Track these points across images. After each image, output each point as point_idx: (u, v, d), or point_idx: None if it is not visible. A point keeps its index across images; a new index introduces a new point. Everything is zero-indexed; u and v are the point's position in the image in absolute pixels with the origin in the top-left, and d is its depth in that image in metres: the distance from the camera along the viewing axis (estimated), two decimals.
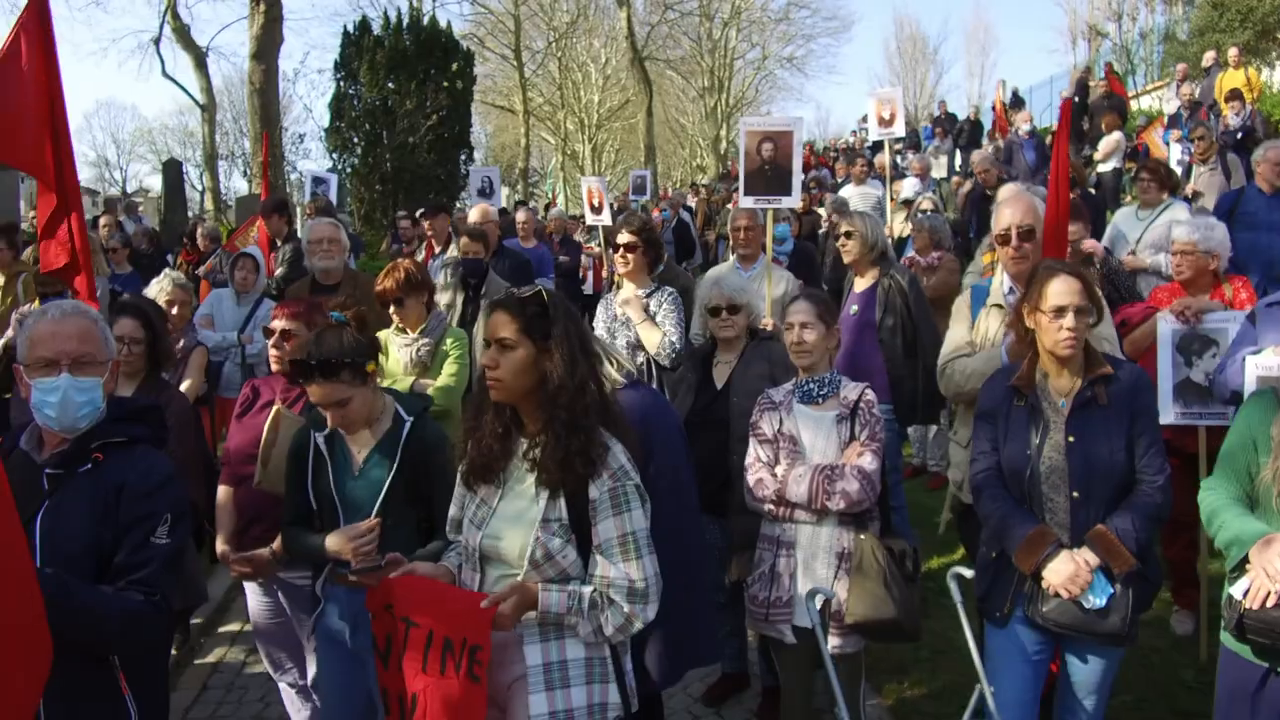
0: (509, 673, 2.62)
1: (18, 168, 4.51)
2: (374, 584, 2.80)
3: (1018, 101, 21.71)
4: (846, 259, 5.53)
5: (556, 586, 2.55)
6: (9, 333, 6.64)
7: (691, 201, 18.78)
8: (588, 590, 2.56)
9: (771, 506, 3.59)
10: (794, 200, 5.99)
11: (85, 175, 50.03)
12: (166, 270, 5.75)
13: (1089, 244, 5.84)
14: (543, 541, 2.55)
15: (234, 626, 5.78)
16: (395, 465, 3.18)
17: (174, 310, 5.10)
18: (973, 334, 4.00)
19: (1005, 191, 6.08)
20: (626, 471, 2.60)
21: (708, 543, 3.91)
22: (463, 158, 19.23)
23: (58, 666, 2.42)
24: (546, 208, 16.90)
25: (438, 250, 8.47)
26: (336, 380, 3.07)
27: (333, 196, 12.26)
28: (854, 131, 28.02)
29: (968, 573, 3.32)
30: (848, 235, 5.43)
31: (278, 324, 3.68)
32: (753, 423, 3.72)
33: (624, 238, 5.10)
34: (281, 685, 4.05)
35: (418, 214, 10.07)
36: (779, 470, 3.58)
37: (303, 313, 3.66)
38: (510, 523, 2.63)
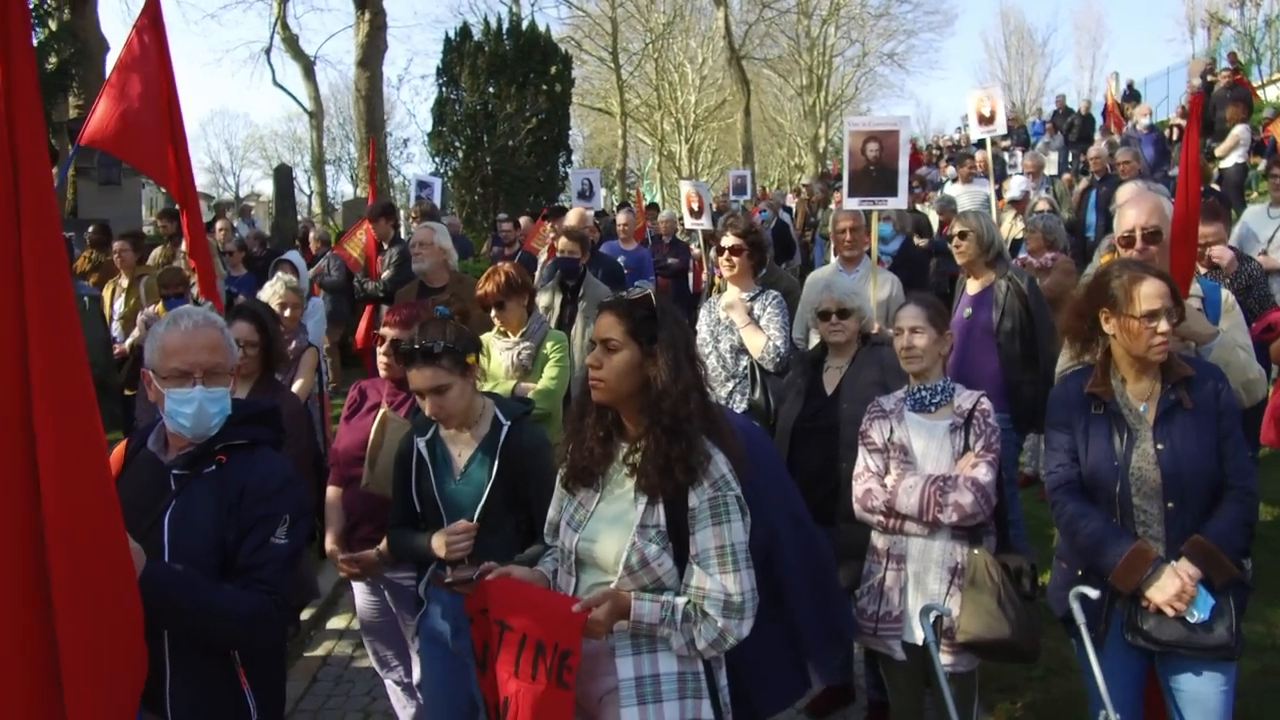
0: (600, 685, 2.59)
1: (140, 169, 4.67)
2: (469, 589, 2.82)
3: (1133, 95, 20.87)
4: (960, 260, 5.34)
5: (650, 596, 2.51)
6: (135, 333, 6.97)
7: (791, 202, 18.56)
8: (681, 602, 2.51)
9: (881, 518, 3.49)
10: (900, 201, 5.85)
11: (201, 181, 52.00)
12: (279, 274, 5.91)
13: (1217, 251, 5.45)
14: (639, 547, 2.52)
15: (342, 621, 5.90)
16: (495, 468, 3.20)
17: (286, 312, 5.23)
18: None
19: (1128, 191, 5.77)
20: (728, 481, 2.55)
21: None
22: (561, 160, 19.42)
23: (182, 661, 2.51)
24: (649, 209, 16.92)
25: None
26: (437, 365, 3.12)
27: (437, 200, 12.48)
28: (958, 128, 27.34)
29: (1093, 593, 3.17)
30: (962, 235, 5.24)
31: (386, 331, 3.74)
32: (862, 431, 3.62)
33: (729, 240, 5.04)
34: (388, 682, 4.12)
35: (535, 214, 10.17)
36: (889, 480, 3.48)
37: (409, 319, 3.71)
38: (607, 526, 2.60)
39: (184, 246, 7.90)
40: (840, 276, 5.26)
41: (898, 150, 5.60)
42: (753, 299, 5.05)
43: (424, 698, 3.57)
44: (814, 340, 5.28)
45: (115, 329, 7.64)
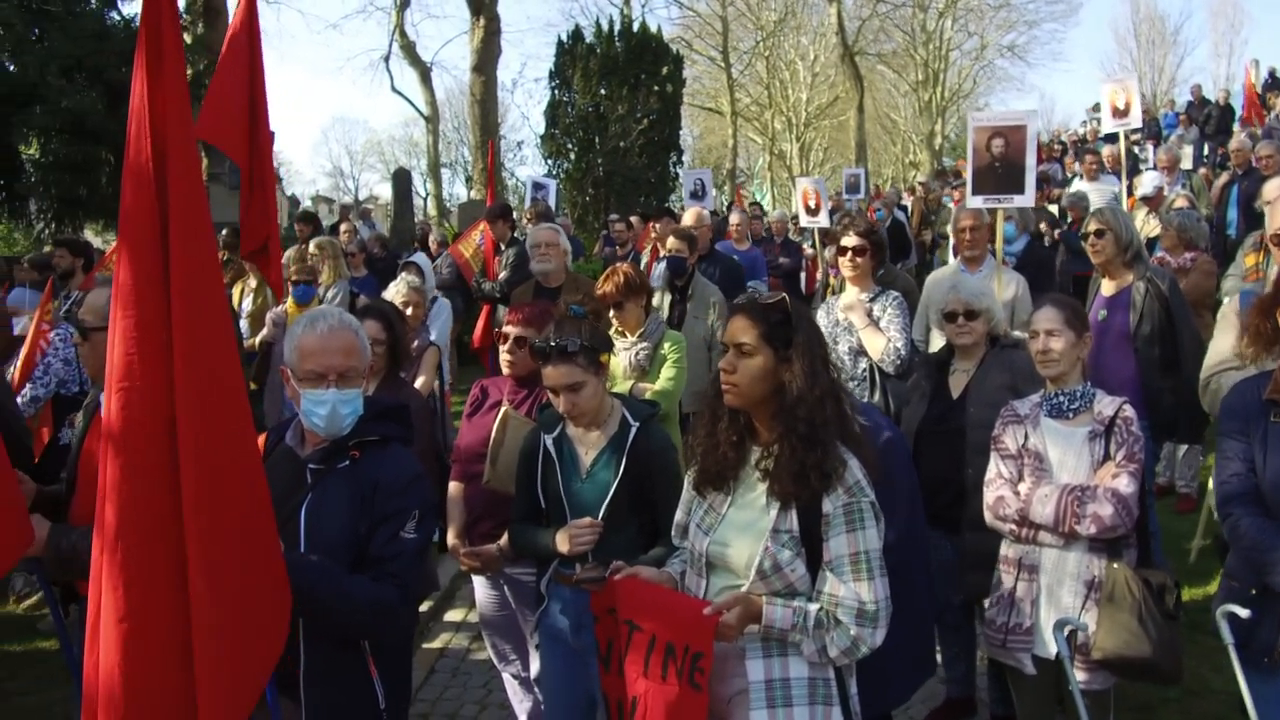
0: (730, 686, 2.57)
1: (223, 150, 4.87)
2: (597, 588, 2.83)
3: (1275, 83, 19.71)
4: (1096, 260, 5.10)
5: (782, 601, 2.49)
6: (264, 331, 7.27)
7: (907, 200, 18.16)
8: (814, 608, 2.47)
9: (1013, 526, 3.37)
10: (1027, 199, 5.64)
11: (322, 185, 54.28)
12: (403, 274, 6.08)
13: None
14: (772, 552, 2.49)
15: (459, 614, 6.03)
16: (621, 469, 3.21)
17: (409, 311, 5.37)
18: (1241, 344, 3.59)
19: (1276, 187, 5.46)
20: (863, 488, 2.50)
21: (939, 560, 3.73)
22: (672, 160, 19.45)
23: (316, 648, 2.60)
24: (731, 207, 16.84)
25: (663, 253, 8.57)
26: (573, 363, 3.15)
27: (552, 201, 12.63)
28: (1084, 122, 26.29)
29: (1243, 612, 2.98)
30: (1098, 234, 5.01)
31: (510, 330, 3.80)
32: (995, 436, 3.51)
33: (851, 240, 4.95)
34: (505, 675, 4.18)
35: (647, 215, 10.22)
36: (1023, 488, 3.36)
37: (533, 318, 3.75)
38: (739, 531, 2.58)
39: (311, 247, 8.23)
40: (965, 277, 5.09)
41: (1025, 146, 5.40)
42: (872, 300, 4.95)
43: (543, 693, 3.60)
44: (935, 342, 5.15)
45: (244, 326, 7.97)
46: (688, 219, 7.78)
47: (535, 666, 3.84)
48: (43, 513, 3.07)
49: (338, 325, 2.68)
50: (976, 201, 5.65)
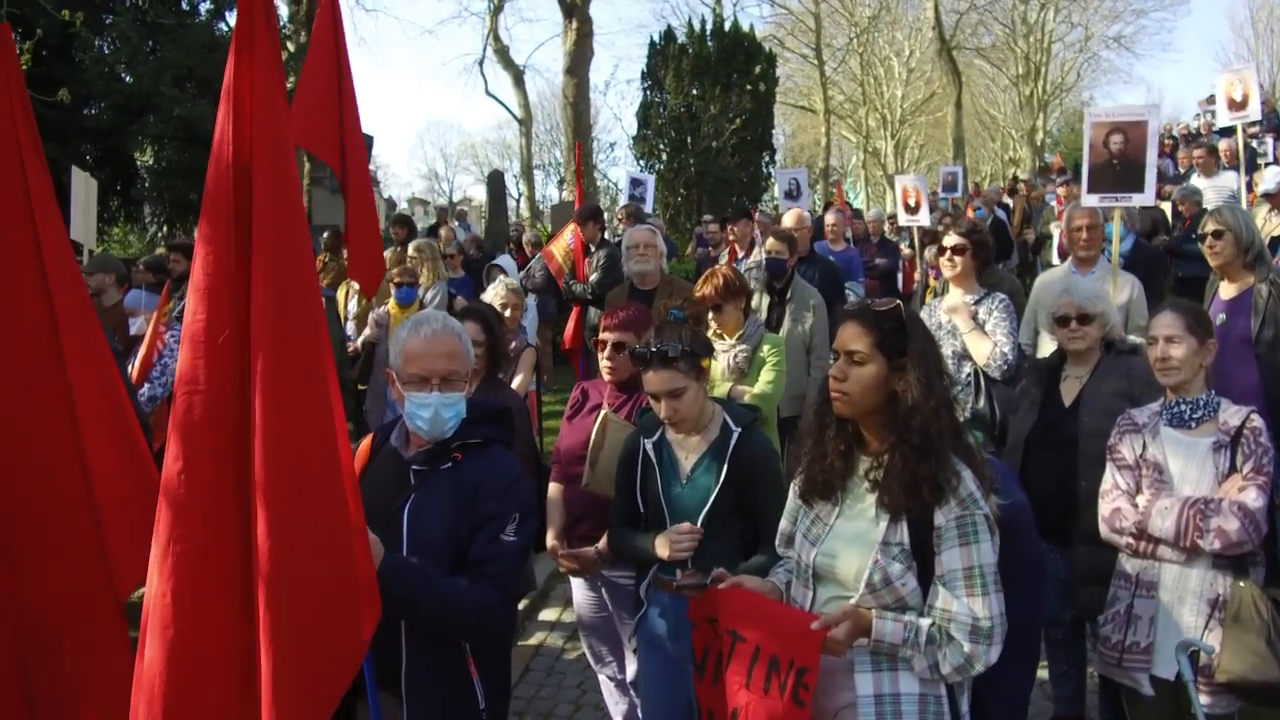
0: (836, 700, 2.51)
1: (315, 153, 4.92)
2: (698, 595, 2.80)
3: None
4: (1215, 261, 4.86)
5: (892, 615, 2.42)
6: (366, 331, 7.45)
7: (1008, 198, 17.66)
8: (926, 623, 2.40)
9: (1130, 540, 3.23)
10: (1147, 197, 5.42)
11: (418, 187, 55.38)
12: (500, 276, 6.15)
13: None
14: (882, 565, 2.42)
15: (554, 613, 6.07)
16: (722, 474, 3.18)
17: (507, 312, 5.43)
18: None
19: None
20: (976, 500, 2.41)
21: (1048, 574, 3.59)
22: (765, 160, 19.32)
23: (418, 647, 2.62)
24: (827, 207, 16.56)
25: (741, 255, 8.51)
26: (674, 368, 3.13)
27: (649, 197, 12.63)
28: (1196, 115, 25.14)
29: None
30: (1216, 234, 4.77)
31: (607, 336, 3.79)
32: (1111, 445, 3.36)
33: (951, 240, 4.83)
34: (601, 677, 4.18)
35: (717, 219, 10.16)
36: (1141, 500, 3.21)
37: (631, 323, 3.74)
38: (848, 543, 2.52)
39: (410, 249, 8.39)
40: (1077, 279, 4.90)
41: (1145, 143, 5.18)
42: (977, 302, 4.82)
43: (641, 699, 3.59)
44: (1043, 347, 4.98)
45: (349, 328, 8.17)
46: (788, 220, 7.68)
47: (631, 669, 3.84)
48: None
49: (442, 329, 2.71)
50: (1093, 200, 5.44)
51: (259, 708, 2.06)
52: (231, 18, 15.96)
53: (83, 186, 7.87)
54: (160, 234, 17.06)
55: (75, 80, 12.69)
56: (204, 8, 16.25)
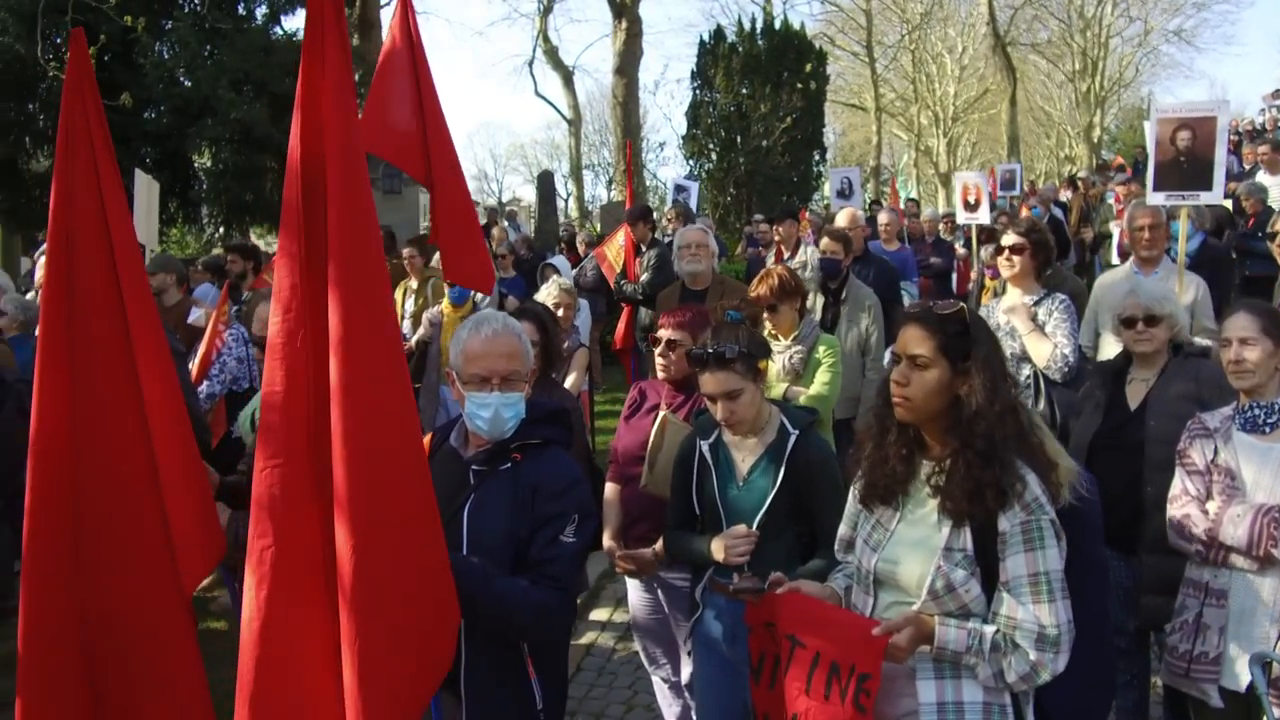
0: (898, 707, 2.48)
1: (395, 164, 4.90)
2: (754, 599, 2.78)
3: None
4: None
5: (955, 622, 2.38)
6: (420, 331, 7.51)
7: (1065, 196, 17.33)
8: (990, 630, 2.36)
9: (1200, 547, 3.14)
10: (1215, 195, 5.27)
11: (469, 187, 55.67)
12: (554, 276, 6.17)
13: None
14: (944, 572, 2.39)
15: (605, 613, 6.07)
16: (780, 477, 3.15)
17: (560, 312, 5.44)
18: None
19: None
20: (1042, 505, 2.36)
21: (1112, 582, 3.51)
22: (815, 159, 19.19)
23: (477, 647, 2.63)
24: (873, 204, 16.31)
25: (786, 255, 8.45)
26: (730, 370, 3.10)
27: (693, 203, 12.61)
28: (1261, 110, 24.51)
29: None
30: None
31: (663, 333, 3.78)
32: (1181, 450, 3.28)
33: (1010, 239, 4.75)
34: (655, 679, 4.17)
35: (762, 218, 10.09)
36: (1211, 507, 3.12)
37: (688, 322, 3.73)
38: (909, 549, 2.48)
39: None
40: (1144, 279, 4.79)
41: (1214, 139, 5.04)
42: (1036, 303, 4.73)
43: (696, 702, 3.57)
44: (1105, 348, 4.88)
45: (405, 327, 8.24)
46: (841, 219, 7.61)
47: (686, 671, 3.83)
48: (224, 502, 3.25)
49: (502, 330, 2.72)
50: (1159, 198, 5.31)
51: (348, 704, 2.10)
52: (287, 22, 16.26)
53: (145, 188, 8.03)
54: (217, 234, 17.40)
55: (136, 84, 12.98)
56: (260, 12, 16.51)
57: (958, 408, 2.40)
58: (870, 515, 2.61)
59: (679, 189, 12.57)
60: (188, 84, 14.49)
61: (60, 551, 2.60)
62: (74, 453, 2.64)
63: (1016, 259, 4.74)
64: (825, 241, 6.10)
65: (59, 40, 12.98)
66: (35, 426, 2.61)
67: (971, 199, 9.51)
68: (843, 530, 2.75)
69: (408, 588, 2.18)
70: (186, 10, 15.28)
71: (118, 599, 2.64)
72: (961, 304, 2.51)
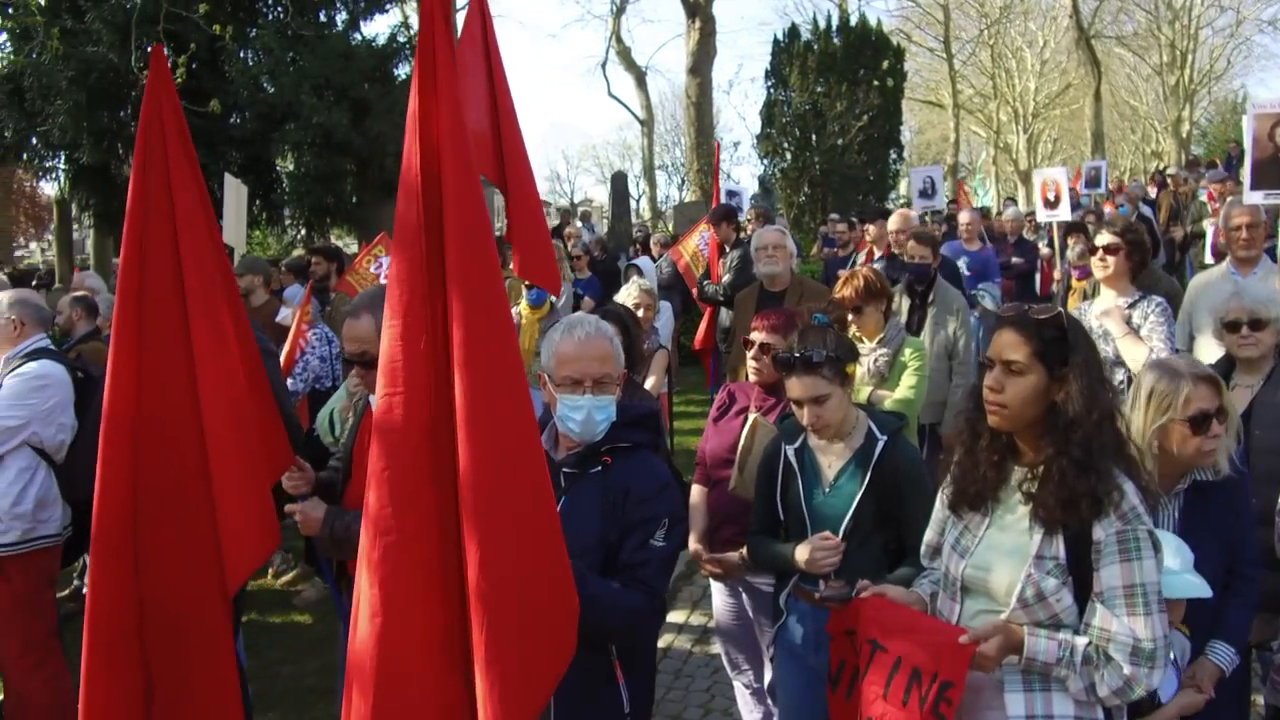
0: (982, 718, 2.43)
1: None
2: (840, 607, 2.74)
3: None
4: None
5: (1045, 632, 2.32)
6: None
7: (1153, 193, 16.80)
8: (1082, 642, 2.29)
9: None
10: None
11: (540, 189, 56.18)
12: (634, 277, 6.17)
13: None
14: (1035, 580, 2.33)
15: (681, 615, 6.04)
16: (866, 483, 3.09)
17: (640, 313, 5.42)
18: None
19: None
20: (1139, 515, 2.29)
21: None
22: (892, 157, 18.93)
23: None
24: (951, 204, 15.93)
25: (879, 255, 8.31)
26: (817, 375, 3.05)
27: (745, 207, 12.47)
28: None
29: None
30: None
31: (756, 336, 3.75)
32: None
33: (1105, 238, 4.62)
34: (736, 684, 4.14)
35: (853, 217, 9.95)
36: None
37: (781, 325, 3.69)
38: (999, 556, 2.43)
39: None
40: (1249, 282, 4.61)
41: None
42: (1131, 305, 4.58)
43: (779, 710, 3.53)
44: (1200, 352, 4.70)
45: None
46: (893, 222, 7.51)
47: (768, 677, 3.79)
48: (318, 497, 3.32)
49: (594, 332, 2.72)
50: (1256, 197, 5.11)
51: (467, 694, 2.13)
52: (366, 28, 16.57)
53: (234, 192, 8.25)
54: (298, 236, 17.83)
55: (223, 91, 13.35)
56: (339, 18, 16.86)
57: (1053, 414, 2.34)
58: (959, 521, 2.56)
59: (730, 194, 12.41)
60: (271, 90, 14.86)
61: (123, 542, 2.77)
62: (135, 448, 2.79)
63: (1111, 259, 4.60)
64: (912, 245, 5.99)
65: (150, 50, 13.44)
66: (105, 423, 2.79)
67: (1052, 196, 9.25)
68: (929, 536, 2.71)
69: (534, 585, 2.20)
70: (270, 18, 15.68)
71: (169, 593, 2.80)
72: (1059, 308, 2.44)
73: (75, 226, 23.18)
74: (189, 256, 2.84)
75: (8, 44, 15.38)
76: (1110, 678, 2.25)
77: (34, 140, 14.96)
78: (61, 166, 15.67)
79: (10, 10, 14.08)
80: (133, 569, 2.80)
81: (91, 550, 2.81)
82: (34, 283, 14.90)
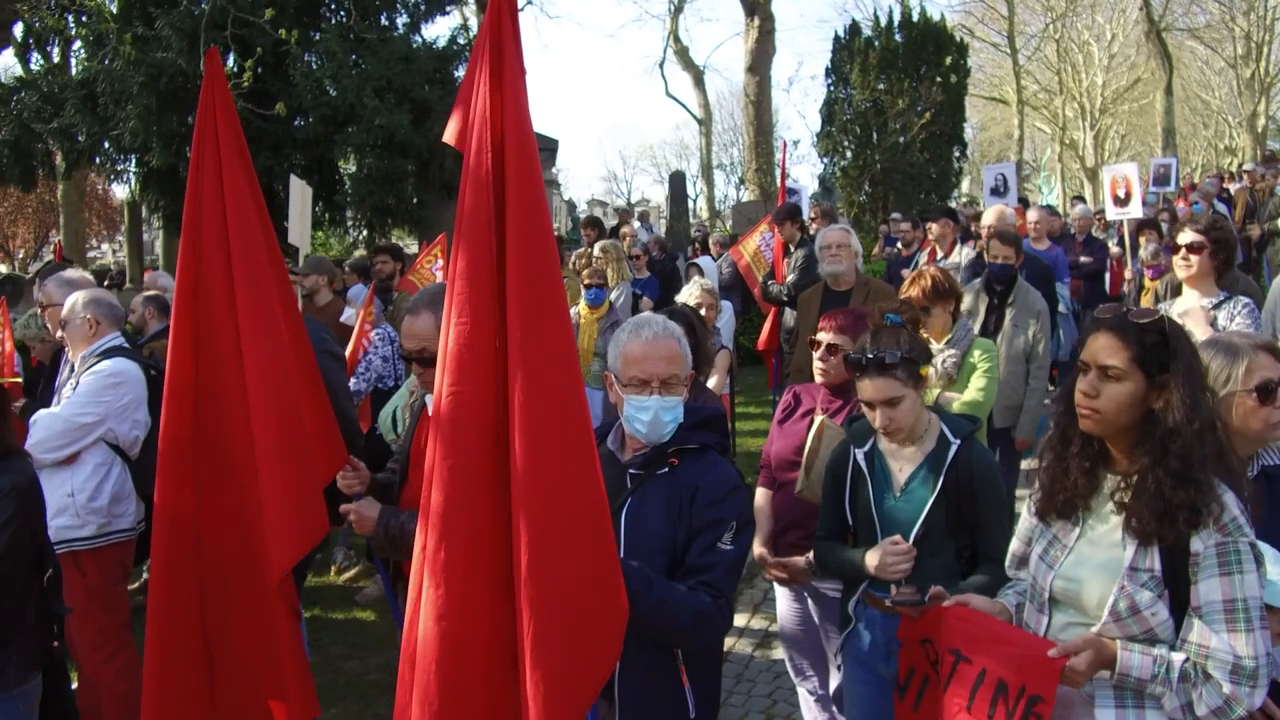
0: None
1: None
2: (914, 614, 2.67)
3: None
4: None
5: (1140, 647, 2.23)
6: None
7: (1229, 187, 16.27)
8: (1178, 658, 2.20)
9: None
10: None
11: (597, 189, 56.58)
12: (696, 277, 6.12)
13: None
14: (1129, 593, 2.24)
15: (742, 619, 5.97)
16: (939, 487, 3.01)
17: (703, 313, 5.37)
18: None
19: None
20: (1240, 527, 2.19)
21: None
22: (955, 155, 18.62)
23: (632, 653, 2.58)
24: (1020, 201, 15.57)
25: (941, 255, 8.15)
26: (891, 376, 2.99)
27: (804, 204, 12.34)
28: None
29: None
30: None
31: (823, 337, 3.68)
32: None
33: (1188, 236, 4.46)
34: (801, 690, 4.07)
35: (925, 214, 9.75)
36: None
37: (849, 326, 3.62)
38: (1091, 567, 2.34)
39: (596, 250, 8.48)
40: None
41: None
42: (1215, 306, 4.42)
43: (847, 719, 3.45)
44: None
45: None
46: (988, 217, 7.31)
47: (834, 683, 3.72)
48: (374, 498, 3.33)
49: (662, 333, 2.68)
50: None
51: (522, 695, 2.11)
52: (426, 30, 16.73)
53: (300, 193, 8.36)
54: (360, 237, 18.05)
55: (287, 94, 13.57)
56: (400, 21, 17.04)
57: (1150, 421, 2.25)
58: (1047, 530, 2.48)
59: (790, 192, 12.28)
60: (334, 93, 15.06)
61: (184, 538, 2.97)
62: (195, 443, 2.94)
63: (1194, 258, 4.45)
64: (995, 245, 5.80)
65: (206, 54, 13.73)
66: (165, 418, 2.89)
67: (1122, 192, 8.98)
68: (1015, 545, 2.63)
69: (583, 589, 2.18)
70: (333, 22, 15.90)
71: (223, 579, 3.00)
72: (1160, 313, 2.34)
73: (145, 228, 23.81)
74: (240, 256, 2.89)
75: (82, 50, 15.83)
76: (1209, 696, 2.16)
77: (106, 144, 15.34)
78: (132, 169, 16.04)
79: (85, 18, 14.46)
80: (194, 553, 2.97)
81: (154, 539, 2.93)
82: (105, 282, 15.31)
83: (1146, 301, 7.84)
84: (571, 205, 33.16)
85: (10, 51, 16.09)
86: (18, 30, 16.25)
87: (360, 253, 14.96)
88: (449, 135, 2.42)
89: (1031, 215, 9.10)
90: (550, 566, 2.11)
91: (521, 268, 2.15)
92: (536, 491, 2.11)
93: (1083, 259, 9.93)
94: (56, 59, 16.66)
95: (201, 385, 2.94)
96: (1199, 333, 4.32)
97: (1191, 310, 4.43)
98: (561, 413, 2.16)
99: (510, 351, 2.14)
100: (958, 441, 3.06)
